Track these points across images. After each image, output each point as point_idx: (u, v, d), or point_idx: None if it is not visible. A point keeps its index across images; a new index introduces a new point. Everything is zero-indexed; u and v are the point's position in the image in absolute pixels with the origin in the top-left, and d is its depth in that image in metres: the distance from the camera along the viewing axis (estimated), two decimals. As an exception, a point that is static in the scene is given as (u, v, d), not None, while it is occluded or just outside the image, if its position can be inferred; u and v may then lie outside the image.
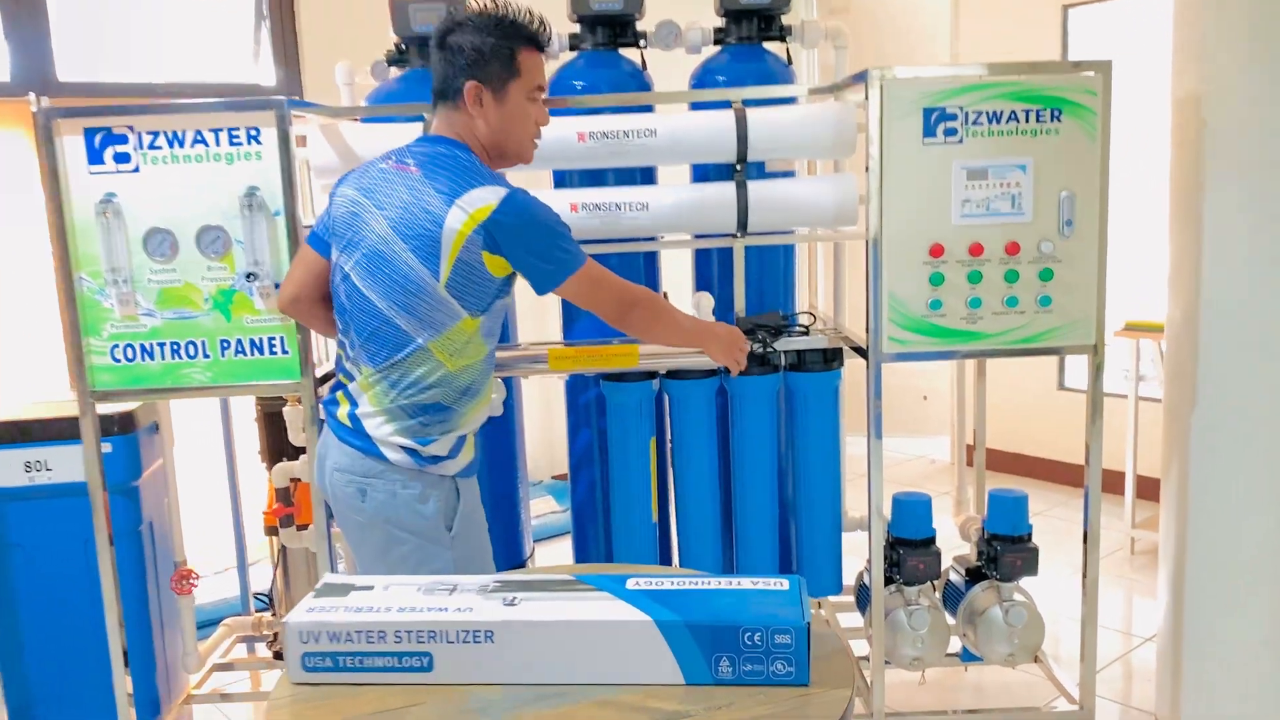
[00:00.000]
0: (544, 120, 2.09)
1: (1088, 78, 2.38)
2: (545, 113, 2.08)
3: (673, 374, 2.75)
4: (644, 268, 2.97)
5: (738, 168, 2.73)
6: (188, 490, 3.11)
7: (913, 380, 5.75)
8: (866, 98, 2.39)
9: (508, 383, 3.02)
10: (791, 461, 2.86)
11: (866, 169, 2.42)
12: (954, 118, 2.38)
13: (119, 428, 2.68)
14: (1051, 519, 4.60)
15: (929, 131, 2.38)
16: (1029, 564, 2.70)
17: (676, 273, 3.16)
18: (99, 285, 2.44)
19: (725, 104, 2.67)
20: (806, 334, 2.77)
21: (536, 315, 3.32)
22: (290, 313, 2.19)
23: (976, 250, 2.42)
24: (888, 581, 2.74)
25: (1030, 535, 2.74)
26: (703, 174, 2.92)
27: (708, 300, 2.73)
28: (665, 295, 2.67)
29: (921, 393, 5.82)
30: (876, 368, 2.50)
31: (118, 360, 2.47)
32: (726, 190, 2.68)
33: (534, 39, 2.02)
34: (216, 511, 3.45)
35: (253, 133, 2.40)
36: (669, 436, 2.84)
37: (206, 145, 2.40)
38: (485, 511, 3.04)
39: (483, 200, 1.88)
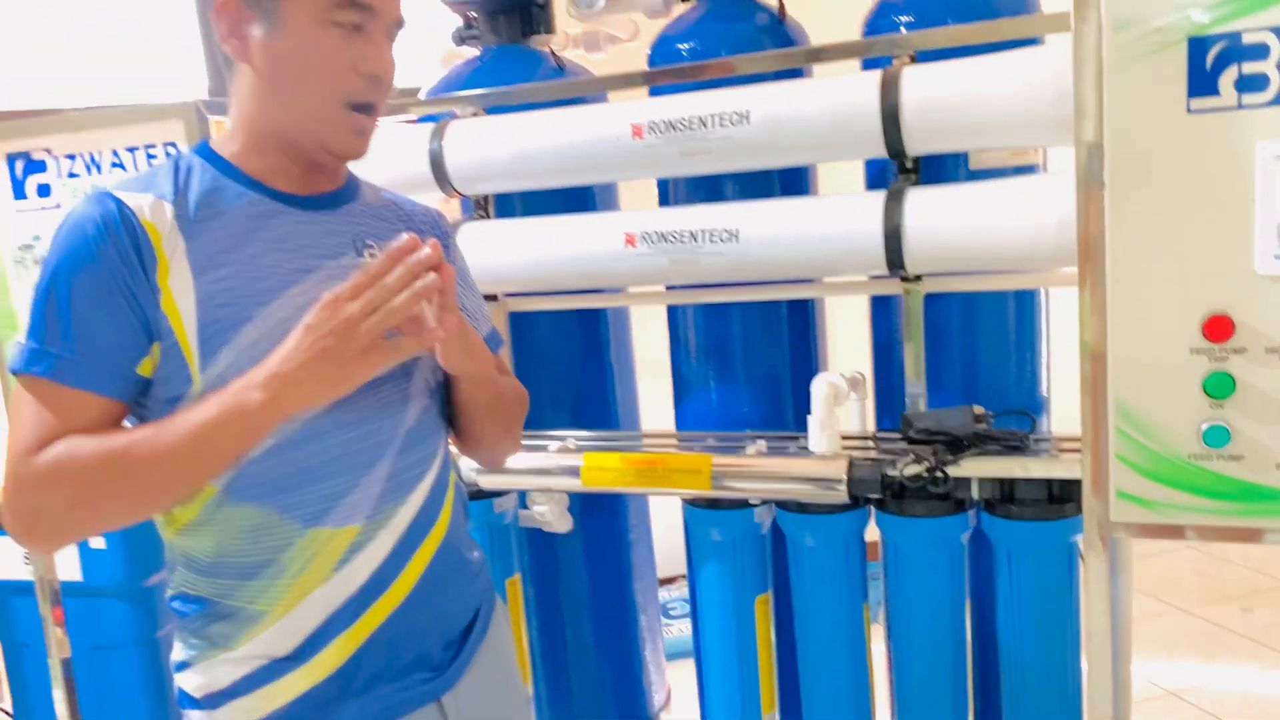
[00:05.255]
0: (371, 63, 1.06)
1: None
2: (373, 51, 1.07)
3: (789, 504, 1.72)
4: (788, 331, 1.93)
5: (907, 165, 1.64)
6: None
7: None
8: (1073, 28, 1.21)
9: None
10: (998, 662, 1.70)
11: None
12: (1260, 53, 1.13)
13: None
14: None
15: (1201, 84, 1.16)
16: None
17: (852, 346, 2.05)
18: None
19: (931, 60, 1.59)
20: (1019, 449, 1.60)
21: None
22: None
23: (1313, 329, 1.16)
24: None
25: None
26: (878, 176, 1.83)
27: (829, 387, 1.66)
28: None
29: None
30: (1105, 549, 1.31)
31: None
32: (868, 207, 1.60)
33: None
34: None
35: (171, 149, 1.76)
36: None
37: (125, 171, 1.80)
38: (591, 644, 2.20)
39: None
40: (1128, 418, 1.24)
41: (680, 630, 3.28)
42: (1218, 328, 1.18)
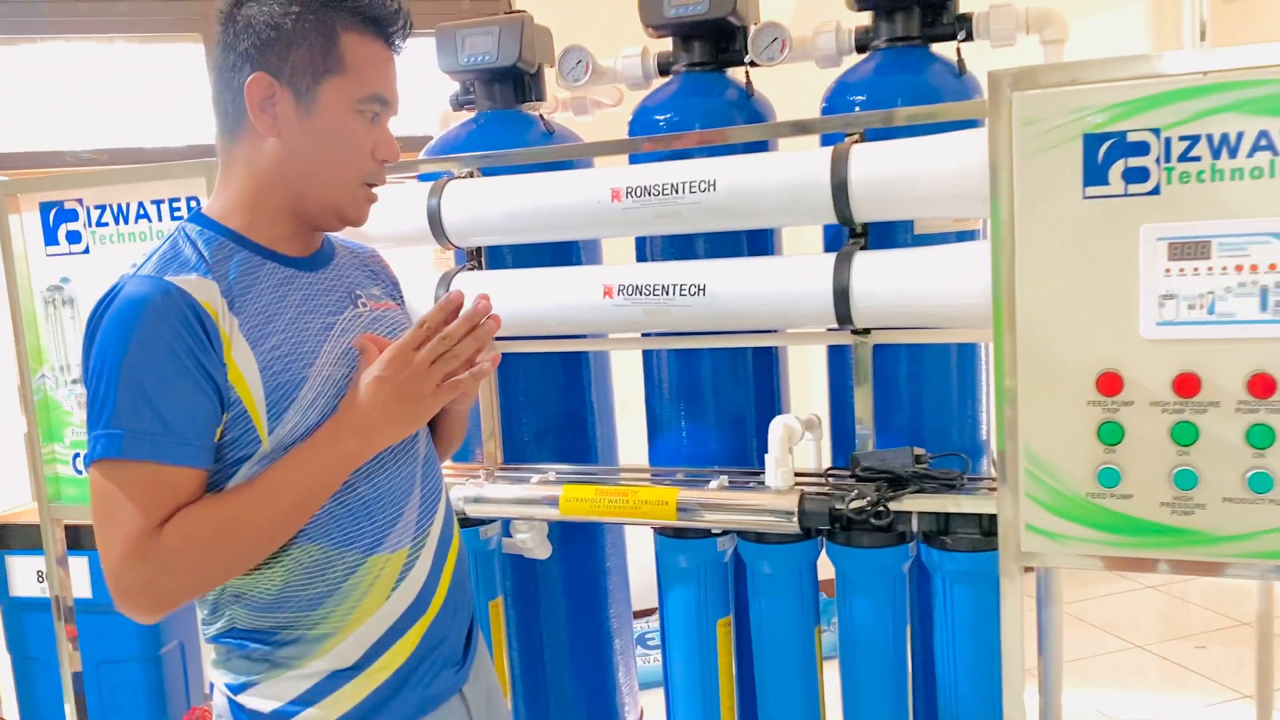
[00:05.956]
0: (386, 151, 1.23)
1: None
2: (388, 140, 1.23)
3: (748, 534, 1.89)
4: (753, 375, 2.11)
5: (857, 230, 1.82)
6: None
7: None
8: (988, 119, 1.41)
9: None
10: (936, 686, 1.87)
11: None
12: (1142, 149, 1.32)
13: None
14: None
15: (1094, 175, 1.35)
16: None
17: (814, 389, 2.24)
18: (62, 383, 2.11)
19: (881, 135, 1.79)
20: (953, 487, 1.78)
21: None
22: None
23: (1188, 386, 1.34)
24: None
25: None
26: (834, 239, 2.02)
27: (784, 428, 1.83)
28: None
29: None
30: (1018, 576, 1.48)
31: (81, 472, 2.12)
32: (820, 268, 1.78)
33: (374, 17, 1.19)
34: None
35: (194, 203, 1.94)
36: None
37: (150, 221, 1.98)
38: (568, 664, 2.36)
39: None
40: (1034, 460, 1.42)
41: (656, 660, 3.42)
42: (1109, 383, 1.37)
